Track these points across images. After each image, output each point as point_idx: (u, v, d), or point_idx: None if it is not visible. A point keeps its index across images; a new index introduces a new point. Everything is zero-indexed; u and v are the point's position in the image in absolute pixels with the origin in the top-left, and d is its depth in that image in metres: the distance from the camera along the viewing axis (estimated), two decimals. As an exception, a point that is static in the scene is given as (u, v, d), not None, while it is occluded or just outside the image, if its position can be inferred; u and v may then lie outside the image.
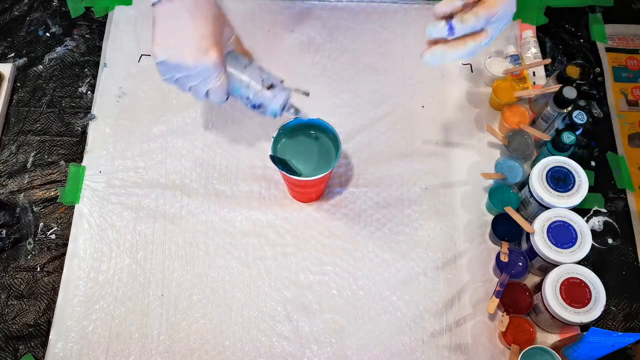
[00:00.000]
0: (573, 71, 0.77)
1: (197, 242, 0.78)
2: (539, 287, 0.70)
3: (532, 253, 0.72)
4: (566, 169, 0.72)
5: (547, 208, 0.72)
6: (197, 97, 0.63)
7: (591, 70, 0.91)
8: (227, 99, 0.64)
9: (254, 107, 0.65)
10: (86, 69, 0.90)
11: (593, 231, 0.79)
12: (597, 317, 0.65)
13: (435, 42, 0.57)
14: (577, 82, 0.78)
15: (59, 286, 0.75)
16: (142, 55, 0.91)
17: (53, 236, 0.79)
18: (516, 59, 0.85)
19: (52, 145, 0.85)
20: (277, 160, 0.66)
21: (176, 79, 0.61)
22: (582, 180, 0.72)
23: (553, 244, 0.69)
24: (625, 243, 0.79)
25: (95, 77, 0.90)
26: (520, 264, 0.74)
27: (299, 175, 0.68)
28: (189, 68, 0.59)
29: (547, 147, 0.77)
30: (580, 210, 0.78)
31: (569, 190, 0.71)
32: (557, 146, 0.75)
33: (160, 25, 0.58)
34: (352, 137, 0.85)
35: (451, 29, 0.54)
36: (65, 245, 0.78)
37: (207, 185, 0.82)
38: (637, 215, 0.80)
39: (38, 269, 0.77)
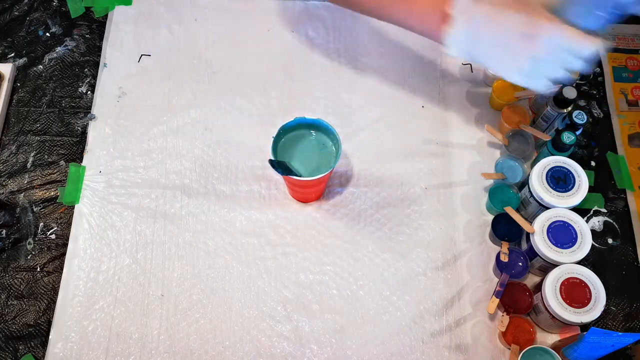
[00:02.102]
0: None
1: (197, 242, 0.78)
2: (539, 287, 0.70)
3: (532, 253, 0.72)
4: (566, 169, 0.72)
5: (547, 208, 0.71)
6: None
7: (591, 70, 0.91)
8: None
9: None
10: (86, 69, 0.90)
11: (593, 231, 0.79)
12: (597, 317, 0.65)
13: None
14: (577, 82, 0.78)
15: (59, 286, 0.75)
16: (142, 55, 0.91)
17: (53, 236, 0.79)
18: (516, 59, 0.85)
19: (52, 145, 0.85)
20: (276, 164, 0.66)
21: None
22: (582, 180, 0.72)
23: (553, 244, 0.69)
24: (625, 243, 0.79)
25: (95, 77, 0.89)
26: (520, 264, 0.74)
27: (299, 175, 0.68)
28: (537, 52, 0.58)
29: (547, 147, 0.77)
30: (580, 210, 0.78)
31: (569, 190, 0.71)
32: (557, 146, 0.75)
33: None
34: (352, 137, 0.85)
35: None
36: (65, 245, 0.78)
37: (207, 185, 0.82)
38: (637, 215, 0.80)
39: (38, 269, 0.77)
